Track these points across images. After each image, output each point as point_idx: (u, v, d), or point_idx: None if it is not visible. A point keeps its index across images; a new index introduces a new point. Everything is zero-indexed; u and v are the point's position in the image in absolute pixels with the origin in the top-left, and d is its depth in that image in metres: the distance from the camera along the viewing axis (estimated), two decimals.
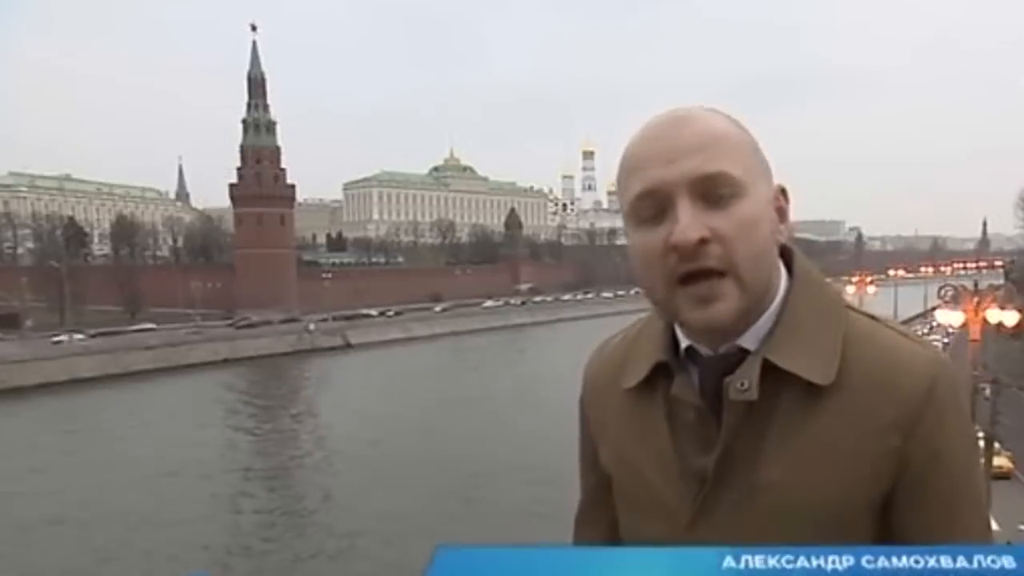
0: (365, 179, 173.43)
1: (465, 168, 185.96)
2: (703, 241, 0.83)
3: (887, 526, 0.89)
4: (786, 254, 0.93)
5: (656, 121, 0.90)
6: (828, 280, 0.96)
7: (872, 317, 0.93)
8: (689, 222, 0.83)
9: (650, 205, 0.86)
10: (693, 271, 0.84)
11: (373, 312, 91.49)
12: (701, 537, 0.91)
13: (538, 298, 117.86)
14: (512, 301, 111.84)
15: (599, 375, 1.07)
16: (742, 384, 0.87)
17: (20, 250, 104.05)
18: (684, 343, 0.94)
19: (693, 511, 0.92)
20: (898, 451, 0.86)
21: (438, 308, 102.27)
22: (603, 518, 1.09)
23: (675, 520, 0.93)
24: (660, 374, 0.96)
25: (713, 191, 0.84)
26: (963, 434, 0.90)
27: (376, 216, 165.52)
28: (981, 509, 0.92)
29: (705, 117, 0.88)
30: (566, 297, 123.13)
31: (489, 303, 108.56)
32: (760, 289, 0.88)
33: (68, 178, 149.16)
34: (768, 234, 0.88)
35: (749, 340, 0.89)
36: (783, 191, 0.92)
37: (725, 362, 0.90)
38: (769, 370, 0.87)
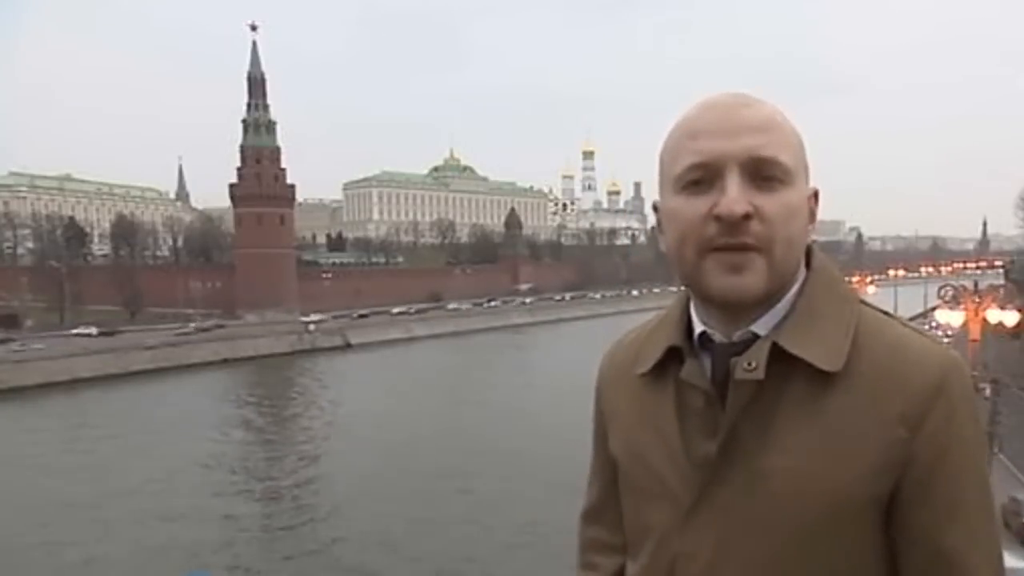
0: (365, 179, 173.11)
1: (465, 168, 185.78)
2: (747, 216, 0.85)
3: (890, 523, 0.89)
4: (805, 250, 0.95)
5: (717, 95, 0.91)
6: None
7: (886, 313, 0.94)
8: (737, 196, 0.85)
9: (699, 174, 0.88)
10: (731, 244, 0.86)
11: (395, 310, 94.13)
12: (702, 523, 0.92)
13: (529, 300, 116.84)
14: (506, 302, 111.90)
15: (615, 362, 1.09)
16: (749, 364, 0.88)
17: (20, 250, 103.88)
18: (699, 329, 0.95)
19: (695, 496, 0.92)
20: (904, 443, 0.86)
21: (452, 306, 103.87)
22: (610, 516, 1.09)
23: (677, 505, 0.94)
24: (673, 360, 0.97)
25: (764, 173, 0.86)
26: (972, 433, 0.89)
27: (376, 216, 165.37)
28: (988, 510, 0.90)
29: (766, 103, 0.91)
30: (560, 297, 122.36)
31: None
32: (786, 273, 0.90)
33: (68, 178, 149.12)
34: (803, 226, 0.90)
35: (762, 327, 0.91)
36: (816, 194, 0.94)
37: (738, 348, 0.91)
38: (779, 356, 0.88)
